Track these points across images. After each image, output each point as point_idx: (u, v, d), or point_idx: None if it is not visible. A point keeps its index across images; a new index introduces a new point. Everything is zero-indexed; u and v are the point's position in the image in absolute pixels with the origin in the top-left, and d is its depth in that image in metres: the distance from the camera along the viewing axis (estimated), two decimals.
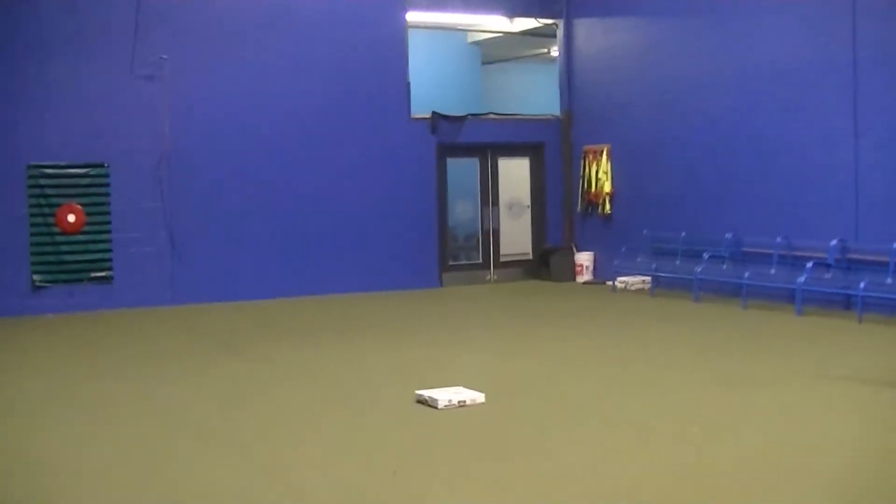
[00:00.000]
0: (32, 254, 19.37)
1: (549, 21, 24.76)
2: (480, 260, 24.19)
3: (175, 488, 8.54)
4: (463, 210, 24.11)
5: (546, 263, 23.90)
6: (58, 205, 19.49)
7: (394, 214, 22.54)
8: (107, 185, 19.94)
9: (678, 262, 20.61)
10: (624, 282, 21.61)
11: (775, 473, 8.56)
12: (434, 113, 23.09)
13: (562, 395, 11.85)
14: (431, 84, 24.74)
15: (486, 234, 24.22)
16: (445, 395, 11.13)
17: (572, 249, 23.79)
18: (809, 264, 17.68)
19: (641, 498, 7.99)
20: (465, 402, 11.09)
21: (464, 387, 11.60)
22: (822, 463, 8.85)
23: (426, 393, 11.28)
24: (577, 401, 11.56)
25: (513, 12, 24.64)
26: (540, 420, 10.63)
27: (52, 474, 9.12)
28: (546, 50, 27.70)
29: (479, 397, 11.23)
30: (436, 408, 10.95)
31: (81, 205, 19.67)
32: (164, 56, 20.16)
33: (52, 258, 19.50)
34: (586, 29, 24.12)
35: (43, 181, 19.38)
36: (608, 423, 10.49)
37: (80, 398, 12.27)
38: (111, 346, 16.00)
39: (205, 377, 13.33)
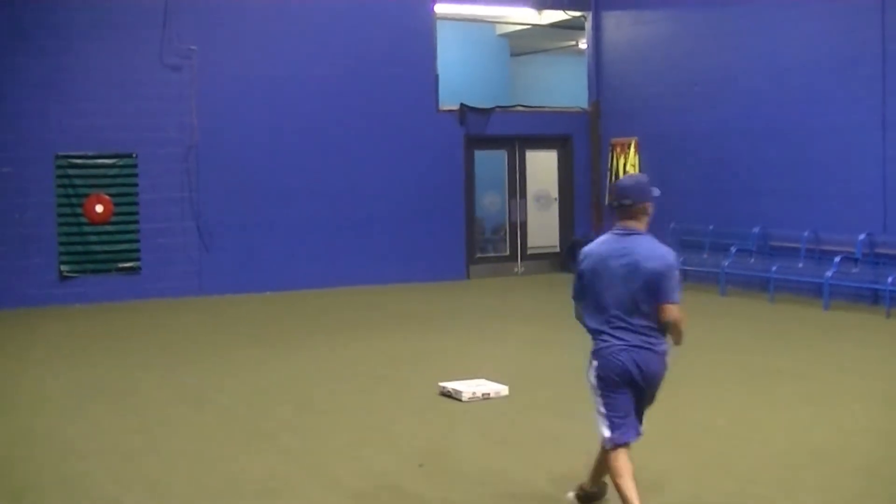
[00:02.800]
0: (60, 244, 19.42)
1: (578, 13, 24.68)
2: (508, 252, 24.16)
3: (203, 476, 8.62)
4: (490, 202, 24.09)
5: (573, 256, 23.67)
6: (86, 195, 19.55)
7: (421, 206, 22.54)
8: (135, 175, 19.99)
9: (705, 255, 20.56)
10: None
11: (801, 463, 8.59)
12: (462, 105, 23.08)
13: (586, 387, 11.83)
14: (460, 76, 24.71)
15: (513, 226, 24.19)
16: (469, 388, 11.14)
17: None
18: (837, 258, 17.62)
19: (669, 488, 8.01)
20: (488, 394, 11.11)
21: (487, 378, 11.61)
22: (847, 454, 8.87)
23: (450, 385, 11.30)
24: None
25: (541, 4, 24.56)
26: (564, 411, 10.62)
27: (80, 459, 9.22)
28: (574, 42, 27.60)
29: (503, 389, 11.24)
30: (460, 400, 10.97)
31: (109, 195, 19.73)
32: (193, 47, 20.20)
33: (79, 248, 19.56)
34: (615, 21, 24.06)
35: (71, 171, 19.44)
36: None
37: (108, 386, 12.36)
38: (138, 336, 16.08)
39: (232, 367, 13.41)
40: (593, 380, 7.14)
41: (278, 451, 9.38)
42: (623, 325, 6.91)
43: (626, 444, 6.99)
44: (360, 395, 11.71)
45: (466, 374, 11.92)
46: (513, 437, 9.76)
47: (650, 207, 7.11)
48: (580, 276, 7.11)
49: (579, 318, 7.22)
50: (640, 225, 7.05)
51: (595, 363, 7.08)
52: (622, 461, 6.94)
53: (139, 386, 12.34)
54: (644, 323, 6.90)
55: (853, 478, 8.22)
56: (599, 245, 7.12)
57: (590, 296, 7.04)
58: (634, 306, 6.87)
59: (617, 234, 7.07)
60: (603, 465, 7.30)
